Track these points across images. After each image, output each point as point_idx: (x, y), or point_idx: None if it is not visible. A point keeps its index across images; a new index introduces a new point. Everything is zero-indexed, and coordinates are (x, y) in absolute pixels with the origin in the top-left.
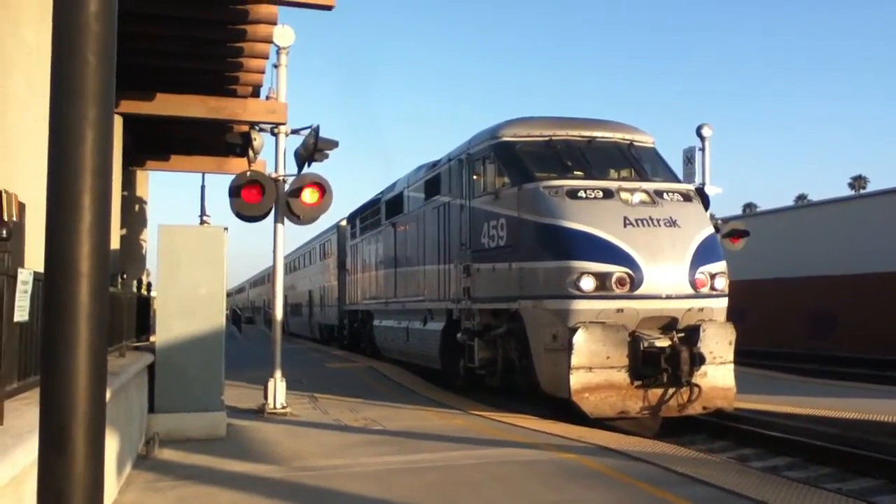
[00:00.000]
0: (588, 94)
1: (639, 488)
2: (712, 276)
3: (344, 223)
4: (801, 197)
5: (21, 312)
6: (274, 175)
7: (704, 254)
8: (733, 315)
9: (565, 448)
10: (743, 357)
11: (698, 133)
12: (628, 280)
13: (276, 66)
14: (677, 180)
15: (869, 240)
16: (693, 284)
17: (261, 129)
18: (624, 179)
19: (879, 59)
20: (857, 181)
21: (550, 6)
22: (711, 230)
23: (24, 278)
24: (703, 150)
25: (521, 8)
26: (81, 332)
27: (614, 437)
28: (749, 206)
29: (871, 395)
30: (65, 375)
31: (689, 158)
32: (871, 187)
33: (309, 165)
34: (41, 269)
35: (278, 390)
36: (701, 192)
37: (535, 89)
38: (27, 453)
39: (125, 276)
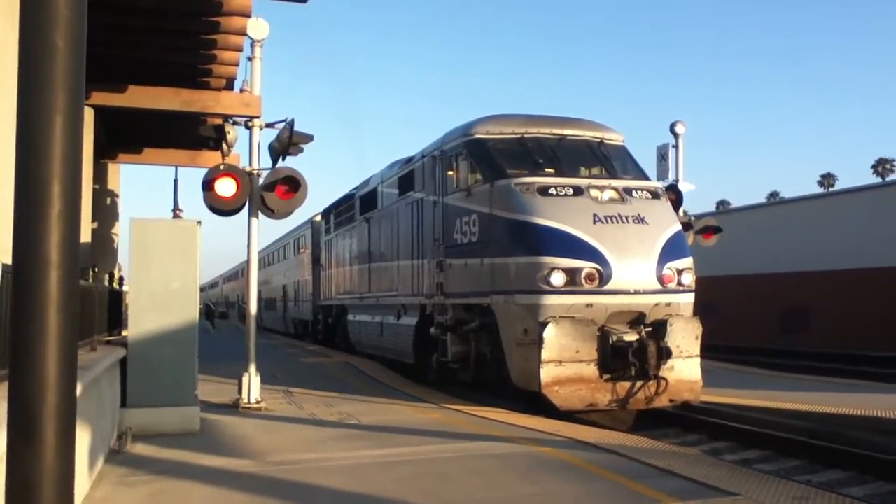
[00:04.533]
0: (561, 89)
1: (613, 481)
2: (679, 272)
3: (318, 218)
4: (774, 194)
5: None
6: (248, 169)
7: (672, 250)
8: (706, 311)
9: (541, 441)
10: (716, 352)
11: (672, 130)
12: (597, 276)
13: (250, 59)
14: (646, 178)
15: (838, 236)
16: (660, 280)
17: (235, 123)
18: (594, 177)
19: (851, 56)
20: (827, 179)
21: (524, 1)
22: (679, 227)
23: None
24: (676, 146)
25: (496, 4)
26: (51, 323)
27: (589, 430)
28: (722, 203)
29: (841, 389)
30: (34, 366)
31: (662, 155)
32: (839, 185)
33: (283, 159)
34: (9, 261)
35: (252, 385)
36: (674, 189)
37: (509, 85)
38: None
39: (97, 269)
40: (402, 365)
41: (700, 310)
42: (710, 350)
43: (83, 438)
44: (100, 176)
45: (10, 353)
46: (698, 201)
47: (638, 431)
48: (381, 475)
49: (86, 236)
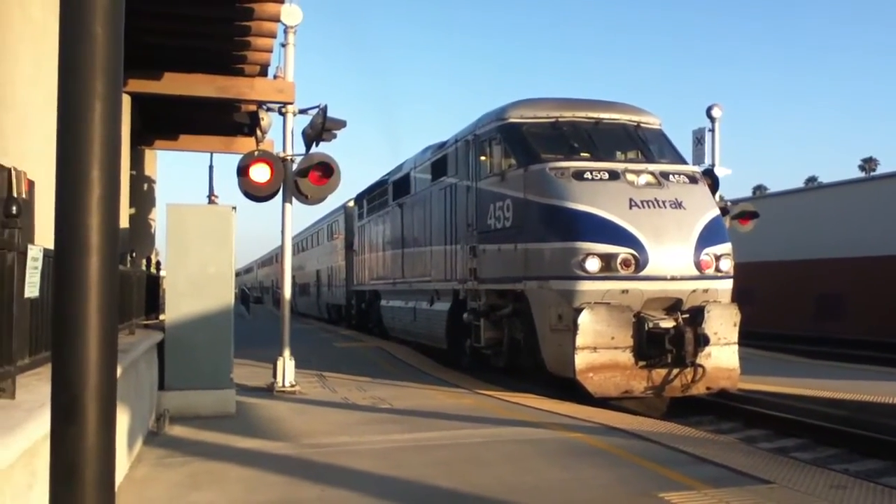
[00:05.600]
0: (596, 74)
1: (645, 467)
2: (717, 258)
3: (351, 204)
4: (812, 179)
5: (32, 288)
6: (282, 154)
7: (709, 235)
8: (741, 297)
9: (572, 427)
10: (752, 339)
11: (708, 114)
12: (633, 261)
13: (283, 45)
14: (684, 162)
15: (878, 223)
16: (698, 266)
17: (269, 109)
18: (630, 161)
19: (891, 40)
20: (868, 163)
21: None
22: (717, 212)
23: (35, 254)
24: (712, 131)
25: None
26: (92, 306)
27: (621, 416)
28: (759, 188)
29: (878, 377)
30: (76, 348)
31: (698, 139)
32: (881, 170)
33: (317, 145)
34: (52, 246)
35: (287, 369)
36: (710, 174)
37: (544, 70)
38: (39, 427)
39: (134, 254)
40: (435, 350)
41: (736, 296)
42: (744, 336)
43: (122, 420)
44: (137, 162)
45: (53, 335)
46: (735, 186)
47: (671, 418)
48: (414, 459)
49: (124, 222)
